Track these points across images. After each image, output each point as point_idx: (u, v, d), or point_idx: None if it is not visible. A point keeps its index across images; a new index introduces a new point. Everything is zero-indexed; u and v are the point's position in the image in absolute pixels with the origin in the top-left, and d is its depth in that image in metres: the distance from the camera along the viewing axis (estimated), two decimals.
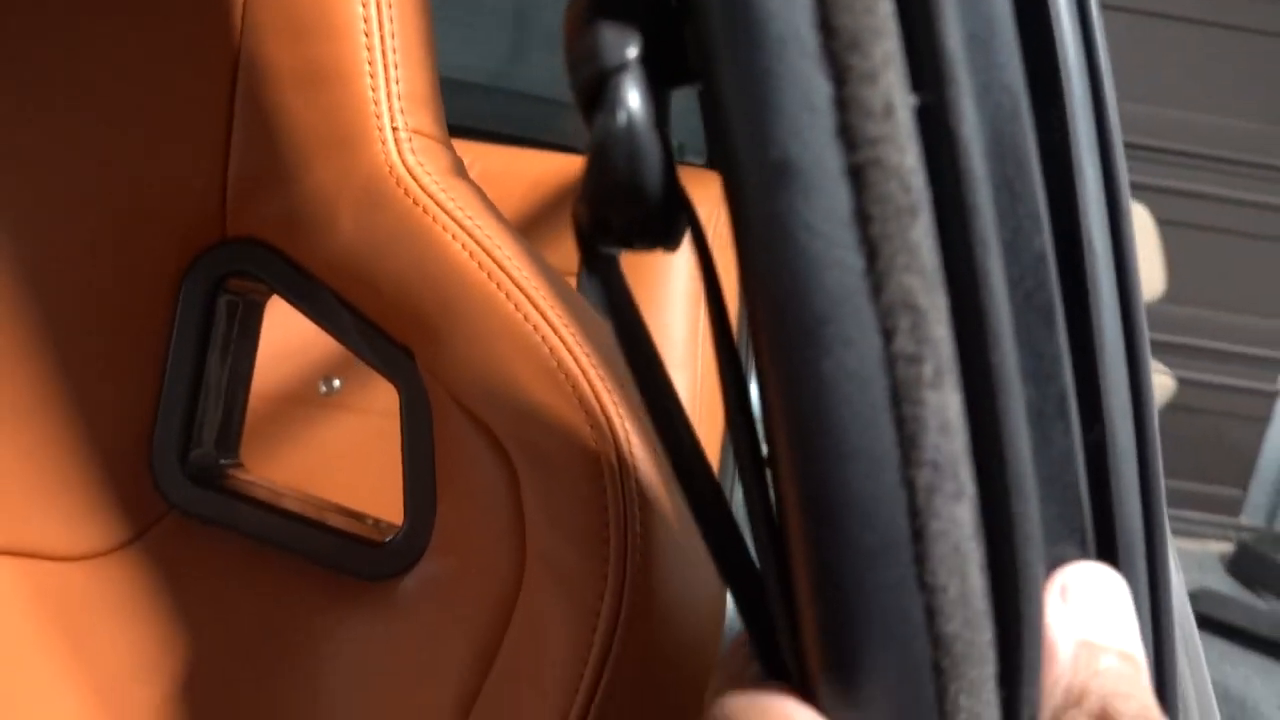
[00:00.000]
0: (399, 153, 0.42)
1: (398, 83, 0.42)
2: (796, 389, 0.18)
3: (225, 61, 0.43)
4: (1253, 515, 2.98)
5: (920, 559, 0.18)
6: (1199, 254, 2.80)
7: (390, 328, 0.42)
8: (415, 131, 0.43)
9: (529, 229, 1.08)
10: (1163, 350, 2.73)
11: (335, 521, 0.44)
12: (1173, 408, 2.48)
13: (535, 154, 1.14)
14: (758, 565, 0.23)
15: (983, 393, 0.18)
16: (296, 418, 0.99)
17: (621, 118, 0.18)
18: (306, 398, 1.00)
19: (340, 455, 0.97)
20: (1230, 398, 2.93)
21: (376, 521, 0.45)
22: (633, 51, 0.19)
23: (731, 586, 0.22)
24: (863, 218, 0.17)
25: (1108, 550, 0.22)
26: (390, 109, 0.42)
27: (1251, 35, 2.74)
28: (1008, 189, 0.20)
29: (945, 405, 0.18)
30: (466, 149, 1.13)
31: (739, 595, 0.21)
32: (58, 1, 0.43)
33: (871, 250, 0.18)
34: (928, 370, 0.18)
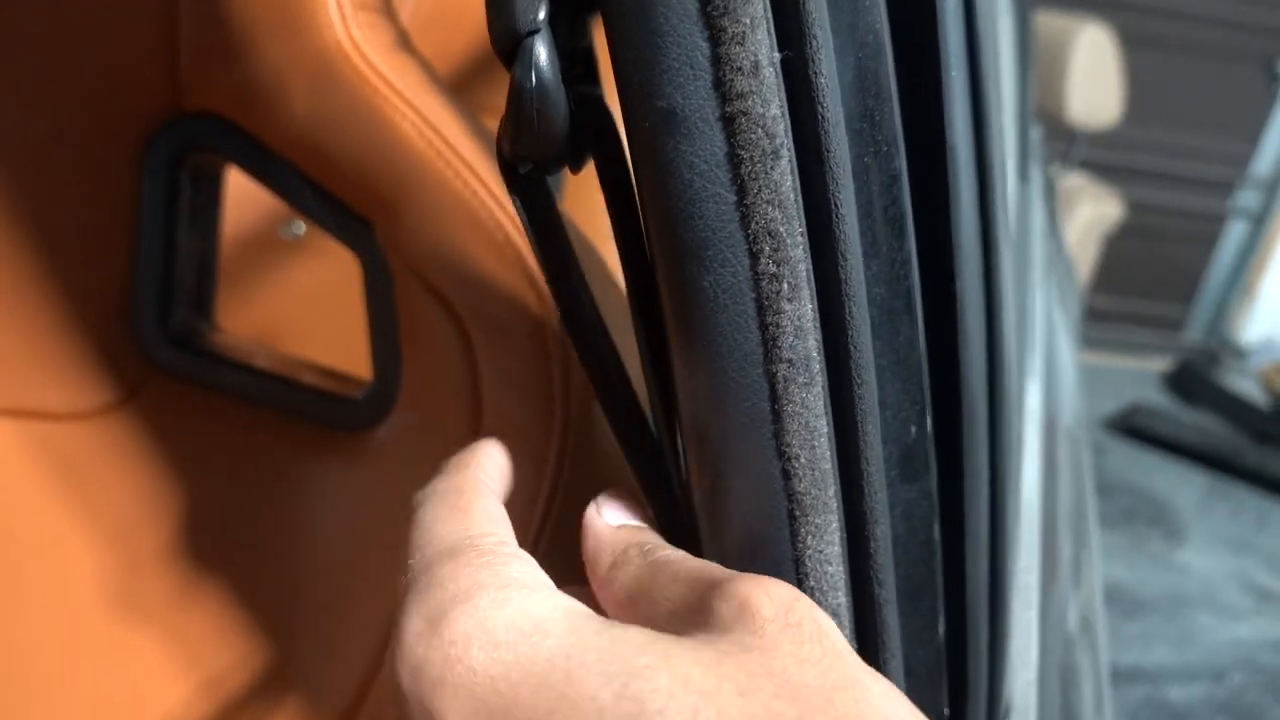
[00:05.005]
0: (345, 30, 0.43)
1: None
2: (684, 299, 0.22)
3: None
4: (1194, 334, 3.12)
5: (778, 433, 0.23)
6: (1158, 73, 2.79)
7: (349, 200, 0.45)
8: (359, 6, 0.44)
9: (480, 70, 1.07)
10: (1115, 174, 2.76)
11: (310, 379, 0.48)
12: (1124, 231, 2.54)
13: None
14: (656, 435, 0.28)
15: (834, 301, 0.22)
16: (262, 263, 1.01)
17: (532, 77, 0.21)
18: (269, 242, 1.01)
19: (308, 297, 1.00)
20: (1182, 220, 2.99)
21: (348, 377, 0.49)
22: (542, 14, 0.21)
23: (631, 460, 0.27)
24: (734, 159, 0.21)
25: (950, 416, 0.27)
26: None
27: None
28: (869, 118, 0.24)
29: (800, 314, 0.22)
30: None
31: (638, 463, 0.26)
32: None
33: (741, 187, 0.21)
34: (785, 286, 0.22)
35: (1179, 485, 2.40)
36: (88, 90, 0.45)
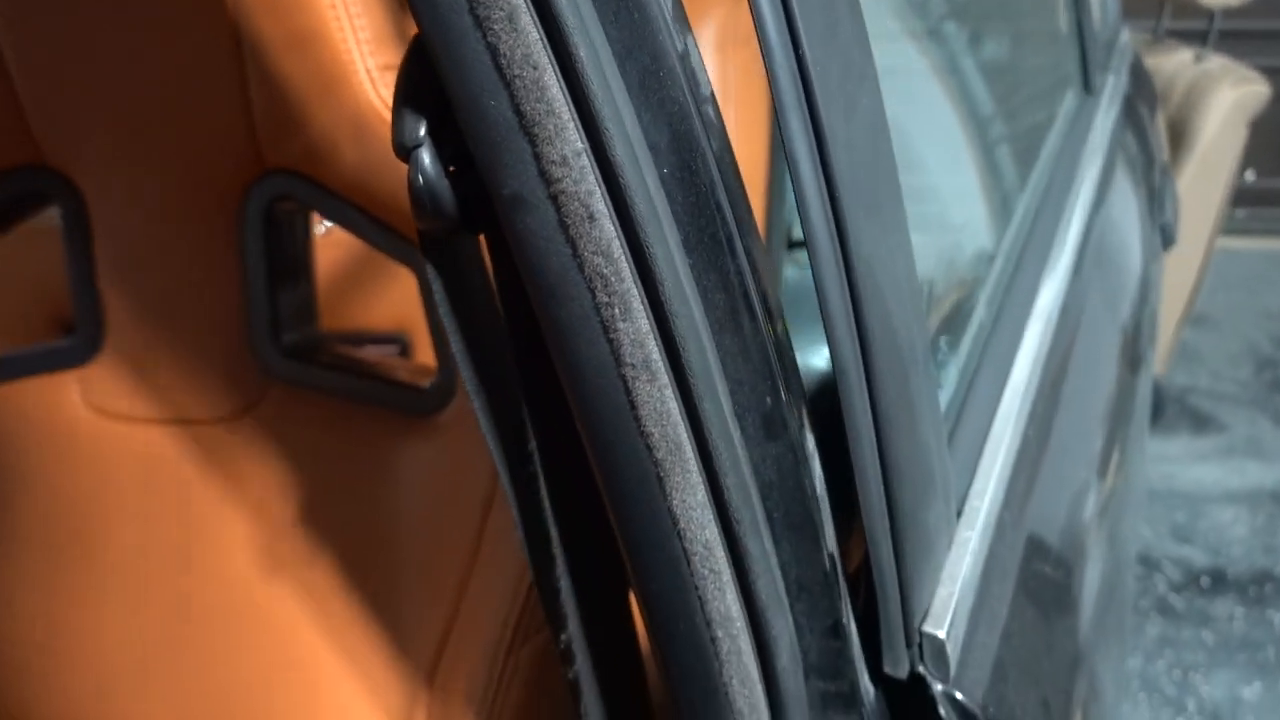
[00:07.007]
0: (375, 89, 0.53)
1: (364, 30, 0.52)
2: (550, 327, 0.30)
3: (226, 33, 0.54)
4: None
5: (636, 418, 0.30)
6: None
7: (400, 228, 0.55)
8: (385, 68, 0.53)
9: None
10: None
11: (390, 373, 0.59)
12: None
13: None
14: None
15: (663, 319, 0.30)
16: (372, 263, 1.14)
17: (419, 178, 0.30)
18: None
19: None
20: None
21: (420, 368, 0.59)
22: (423, 131, 0.30)
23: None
24: (564, 225, 0.29)
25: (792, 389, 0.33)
26: (361, 55, 0.52)
27: None
28: (687, 168, 0.30)
29: (636, 330, 0.29)
30: None
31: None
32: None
33: (573, 244, 0.29)
34: (618, 311, 0.29)
35: None
36: (189, 161, 0.57)
